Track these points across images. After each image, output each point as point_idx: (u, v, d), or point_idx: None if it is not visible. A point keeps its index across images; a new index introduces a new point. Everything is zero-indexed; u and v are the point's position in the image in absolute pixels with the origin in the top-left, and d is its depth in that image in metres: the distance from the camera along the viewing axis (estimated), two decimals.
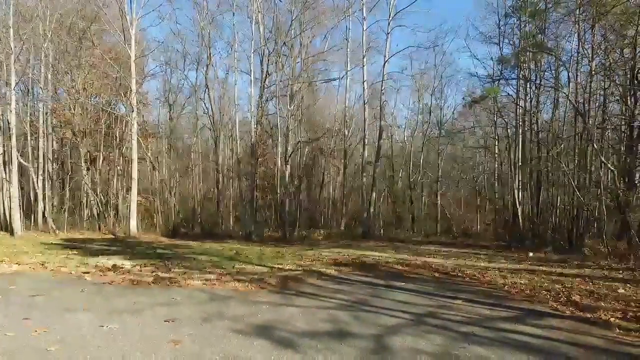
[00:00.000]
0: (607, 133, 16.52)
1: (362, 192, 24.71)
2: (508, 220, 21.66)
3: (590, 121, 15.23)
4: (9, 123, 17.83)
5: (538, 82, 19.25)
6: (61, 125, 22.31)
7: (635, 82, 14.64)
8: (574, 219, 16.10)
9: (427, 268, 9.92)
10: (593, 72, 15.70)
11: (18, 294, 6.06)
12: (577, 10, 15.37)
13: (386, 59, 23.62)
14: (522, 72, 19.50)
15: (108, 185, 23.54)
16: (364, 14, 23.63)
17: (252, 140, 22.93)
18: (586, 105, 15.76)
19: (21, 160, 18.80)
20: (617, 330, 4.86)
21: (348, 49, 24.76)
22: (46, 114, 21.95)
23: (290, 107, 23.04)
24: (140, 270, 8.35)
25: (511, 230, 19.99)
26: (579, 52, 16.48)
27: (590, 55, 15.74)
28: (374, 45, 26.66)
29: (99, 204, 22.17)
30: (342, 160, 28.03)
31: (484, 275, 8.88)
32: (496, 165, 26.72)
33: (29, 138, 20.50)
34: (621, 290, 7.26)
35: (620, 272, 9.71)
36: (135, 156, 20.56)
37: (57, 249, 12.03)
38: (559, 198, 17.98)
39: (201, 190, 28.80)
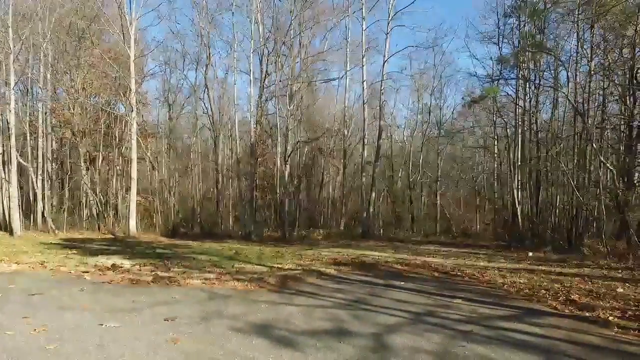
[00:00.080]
0: (606, 133, 16.54)
1: (361, 192, 24.72)
2: (507, 220, 21.68)
3: (590, 121, 15.25)
4: (8, 123, 17.82)
5: (537, 82, 19.28)
6: (60, 125, 22.30)
7: (634, 82, 14.66)
8: (573, 218, 16.12)
9: (426, 267, 9.94)
10: (592, 72, 15.72)
11: (17, 293, 6.06)
12: (577, 10, 15.40)
13: (385, 59, 23.64)
14: (521, 72, 19.52)
15: (107, 185, 23.54)
16: (364, 14, 23.65)
17: (252, 140, 22.92)
18: (585, 105, 15.77)
19: (20, 160, 18.79)
20: (616, 329, 4.87)
21: (347, 49, 24.79)
22: (45, 113, 21.94)
23: (289, 107, 23.03)
24: (140, 270, 8.36)
25: (510, 230, 20.01)
26: (578, 52, 16.51)
27: (589, 55, 15.76)
28: (373, 45, 26.66)
29: (99, 204, 22.16)
30: (342, 160, 28.04)
31: (483, 275, 8.89)
32: (495, 165, 26.75)
33: (28, 138, 20.49)
34: (620, 290, 7.26)
35: (619, 271, 9.72)
36: (134, 156, 20.55)
37: (56, 248, 12.03)
38: (558, 198, 18.00)
39: (201, 190, 28.78)
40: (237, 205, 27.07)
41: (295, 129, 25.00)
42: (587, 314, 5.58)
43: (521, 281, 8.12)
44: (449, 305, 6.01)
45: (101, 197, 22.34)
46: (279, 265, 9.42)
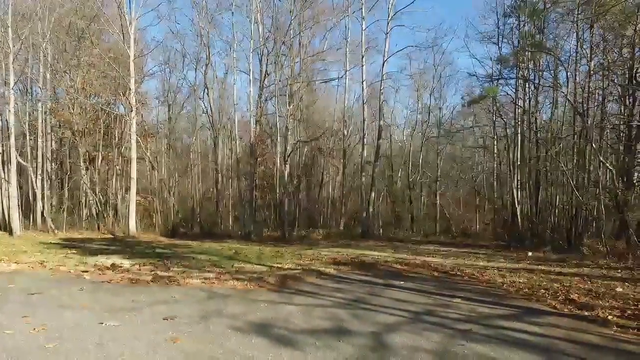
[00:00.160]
0: (605, 132, 16.54)
1: (361, 192, 24.73)
2: (507, 220, 21.69)
3: (589, 121, 15.26)
4: (7, 122, 17.81)
5: (537, 81, 19.28)
6: (60, 125, 22.30)
7: (634, 81, 14.68)
8: (572, 218, 16.12)
9: (426, 267, 9.94)
10: (592, 72, 15.74)
11: (17, 293, 6.06)
12: (576, 10, 15.40)
13: (385, 59, 23.65)
14: (521, 72, 19.54)
15: (107, 185, 23.53)
16: (363, 14, 23.64)
17: (251, 140, 22.93)
18: (585, 104, 15.79)
19: (20, 160, 18.78)
20: (615, 328, 4.87)
21: (347, 49, 24.78)
22: (45, 113, 21.94)
23: (289, 106, 23.04)
24: (139, 269, 8.36)
25: (510, 230, 20.02)
26: (577, 51, 16.51)
27: (589, 55, 15.78)
28: (373, 45, 26.72)
29: (98, 204, 22.15)
30: (341, 160, 28.06)
31: (483, 275, 8.89)
32: (495, 165, 26.76)
33: (27, 137, 20.48)
34: (619, 289, 7.27)
35: (619, 271, 9.72)
36: (134, 156, 20.54)
37: (56, 248, 12.03)
38: (557, 197, 18.02)
39: (200, 190, 28.78)
40: (237, 205, 27.07)
41: (295, 128, 25.02)
42: (586, 313, 5.58)
43: (520, 281, 8.13)
44: (448, 304, 6.01)
45: (101, 197, 22.34)
46: (279, 265, 9.42)
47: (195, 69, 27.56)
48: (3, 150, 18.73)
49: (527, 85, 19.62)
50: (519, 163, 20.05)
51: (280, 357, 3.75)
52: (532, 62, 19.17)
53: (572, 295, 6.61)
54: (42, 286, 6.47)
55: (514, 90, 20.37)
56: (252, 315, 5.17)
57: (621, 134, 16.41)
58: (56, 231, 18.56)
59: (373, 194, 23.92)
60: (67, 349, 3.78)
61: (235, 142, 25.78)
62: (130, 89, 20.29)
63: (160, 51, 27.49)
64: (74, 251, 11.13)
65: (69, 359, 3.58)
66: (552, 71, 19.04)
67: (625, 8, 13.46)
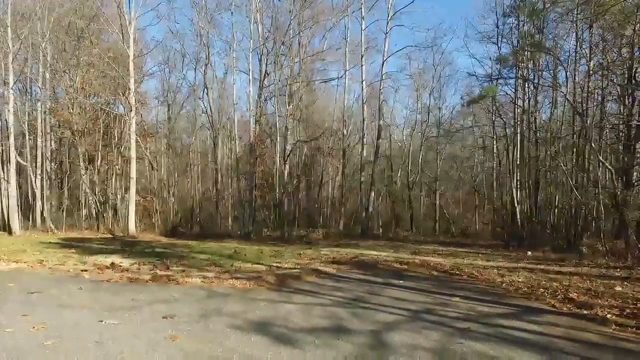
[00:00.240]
0: (605, 132, 16.57)
1: (360, 192, 24.73)
2: (506, 220, 21.71)
3: (588, 120, 15.28)
4: (7, 122, 17.83)
5: (536, 81, 19.30)
6: (59, 125, 22.28)
7: (633, 81, 14.69)
8: (572, 218, 16.15)
9: (425, 266, 9.94)
10: (591, 72, 15.76)
11: (16, 291, 6.06)
12: (575, 10, 15.42)
13: (385, 59, 23.70)
14: (520, 72, 19.56)
15: (106, 185, 23.49)
16: (363, 14, 23.67)
17: (251, 139, 22.94)
18: (584, 104, 15.80)
19: (19, 160, 18.78)
20: (614, 327, 4.88)
21: (347, 49, 24.79)
22: (44, 113, 21.92)
23: (288, 106, 23.06)
24: (139, 269, 8.36)
25: (509, 230, 20.03)
26: (577, 51, 16.53)
27: (588, 55, 15.81)
28: (372, 45, 26.75)
29: (98, 204, 22.13)
30: (341, 160, 28.05)
31: (482, 274, 8.90)
32: (494, 165, 26.77)
33: (27, 137, 20.45)
34: (618, 288, 7.28)
35: (618, 270, 9.74)
36: (133, 155, 20.53)
37: (55, 247, 12.02)
38: (557, 197, 18.03)
39: (200, 189, 28.77)
40: (236, 205, 27.05)
41: (295, 128, 25.04)
42: (585, 312, 5.59)
43: (520, 280, 8.13)
44: (447, 303, 6.01)
45: (100, 197, 22.32)
46: (278, 264, 9.42)
47: (195, 68, 27.59)
48: (2, 150, 18.74)
49: (526, 85, 19.65)
50: (518, 163, 20.07)
51: (280, 356, 3.76)
52: (531, 61, 19.19)
53: (571, 294, 6.61)
54: (41, 285, 6.47)
55: (513, 90, 20.41)
56: (252, 314, 5.17)
57: (620, 134, 16.44)
58: (55, 231, 18.55)
59: (372, 194, 23.94)
60: (67, 347, 3.78)
61: (235, 142, 25.78)
62: (129, 89, 20.28)
63: (160, 51, 27.53)
64: (74, 250, 11.12)
65: (68, 357, 3.58)
66: (551, 71, 19.08)
67: (625, 8, 13.46)
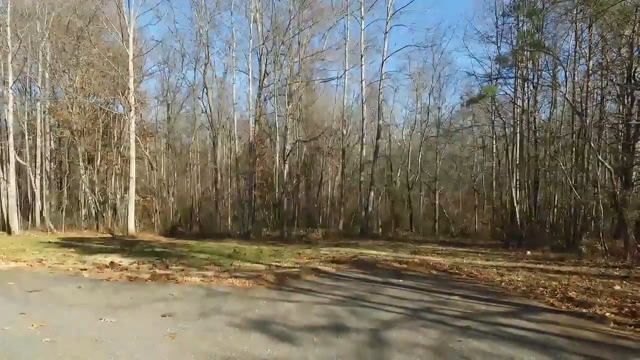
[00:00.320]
0: (604, 132, 16.58)
1: (360, 192, 24.74)
2: (506, 219, 21.72)
3: (588, 120, 15.30)
4: (6, 122, 17.81)
5: (536, 81, 19.32)
6: (59, 125, 22.27)
7: (632, 81, 14.69)
8: (571, 217, 16.16)
9: (424, 266, 9.95)
10: (590, 71, 15.77)
11: (15, 290, 6.07)
12: (575, 10, 15.43)
13: (384, 58, 23.72)
14: (519, 71, 19.58)
15: (106, 185, 23.47)
16: (362, 13, 23.67)
17: (250, 139, 22.93)
18: (583, 104, 15.82)
19: (19, 159, 18.76)
20: (612, 325, 4.89)
21: (346, 48, 24.76)
22: (44, 112, 21.91)
23: (288, 106, 23.06)
24: (138, 268, 8.36)
25: (509, 229, 20.04)
26: (576, 51, 16.56)
27: (587, 55, 15.82)
28: (372, 45, 26.74)
29: (97, 203, 22.12)
30: (341, 160, 28.04)
31: (481, 273, 8.90)
32: (494, 165, 26.80)
33: (26, 137, 20.43)
34: (617, 287, 7.28)
35: (617, 269, 9.74)
36: (133, 155, 20.51)
37: (54, 247, 12.01)
38: (556, 197, 18.04)
39: (199, 189, 28.75)
40: (236, 205, 27.03)
41: (294, 128, 25.05)
42: (584, 311, 5.59)
43: (519, 279, 8.14)
44: (446, 302, 6.02)
45: (100, 197, 22.31)
46: (278, 264, 9.42)
47: (195, 68, 27.56)
48: (2, 150, 18.72)
49: (526, 85, 19.67)
50: (517, 162, 20.09)
51: (279, 353, 3.76)
52: (530, 61, 19.21)
53: (570, 293, 6.62)
54: (40, 284, 6.47)
55: (512, 89, 20.44)
56: (251, 312, 5.18)
57: (620, 133, 16.44)
58: (55, 230, 18.53)
59: (372, 194, 23.94)
60: (66, 345, 3.79)
61: (235, 142, 25.77)
62: (129, 89, 20.27)
63: (159, 50, 27.48)
64: (73, 250, 11.11)
65: (67, 354, 3.58)
66: (550, 71, 19.09)
67: (624, 8, 13.46)
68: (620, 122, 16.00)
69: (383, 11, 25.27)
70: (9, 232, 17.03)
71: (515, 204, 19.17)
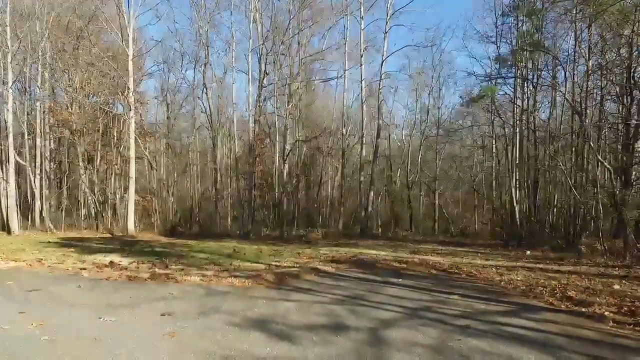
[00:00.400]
0: (603, 132, 16.60)
1: (360, 192, 24.74)
2: (505, 219, 21.72)
3: (587, 120, 15.32)
4: (6, 122, 17.81)
5: (535, 81, 19.33)
6: (58, 124, 22.25)
7: (632, 81, 14.71)
8: (570, 217, 16.16)
9: (424, 265, 9.95)
10: (590, 71, 15.78)
11: (15, 289, 6.07)
12: (574, 10, 15.45)
13: (384, 58, 23.71)
14: (519, 71, 19.58)
15: (106, 185, 23.48)
16: (362, 13, 23.67)
17: (250, 139, 22.94)
18: (583, 104, 15.82)
19: (18, 159, 18.76)
20: (611, 324, 4.90)
21: (346, 48, 24.75)
22: (43, 112, 21.89)
23: (288, 106, 23.07)
24: (138, 267, 8.36)
25: (508, 229, 20.04)
26: (575, 51, 16.56)
27: (587, 55, 15.83)
28: (371, 45, 26.72)
29: (97, 203, 22.12)
30: (340, 160, 28.04)
31: (481, 272, 8.91)
32: (494, 165, 26.79)
33: (26, 137, 20.42)
34: (616, 287, 7.29)
35: (616, 269, 9.75)
36: (133, 155, 20.51)
37: (54, 247, 12.01)
38: (556, 197, 18.05)
39: (199, 189, 28.75)
40: (236, 205, 27.04)
41: (294, 128, 25.06)
42: (583, 310, 5.60)
43: (518, 278, 8.14)
44: (446, 301, 6.03)
45: (99, 197, 22.31)
46: (277, 263, 9.43)
47: (194, 68, 27.54)
48: (1, 150, 18.72)
49: (525, 85, 19.67)
50: (517, 162, 20.08)
51: (278, 352, 3.77)
52: (530, 61, 19.21)
53: (569, 293, 6.62)
54: (40, 283, 6.48)
55: (512, 89, 20.44)
56: (250, 311, 5.18)
57: (619, 133, 16.46)
58: (54, 230, 18.53)
59: (372, 194, 23.94)
60: (65, 344, 3.79)
61: (234, 142, 25.78)
62: (128, 88, 20.27)
63: (159, 50, 27.48)
64: (73, 250, 11.11)
65: (67, 353, 3.58)
66: (550, 70, 19.13)
67: (623, 7, 13.48)
68: (619, 122, 16.02)
69: (382, 11, 25.27)
70: (9, 231, 17.03)
71: (514, 204, 19.18)
